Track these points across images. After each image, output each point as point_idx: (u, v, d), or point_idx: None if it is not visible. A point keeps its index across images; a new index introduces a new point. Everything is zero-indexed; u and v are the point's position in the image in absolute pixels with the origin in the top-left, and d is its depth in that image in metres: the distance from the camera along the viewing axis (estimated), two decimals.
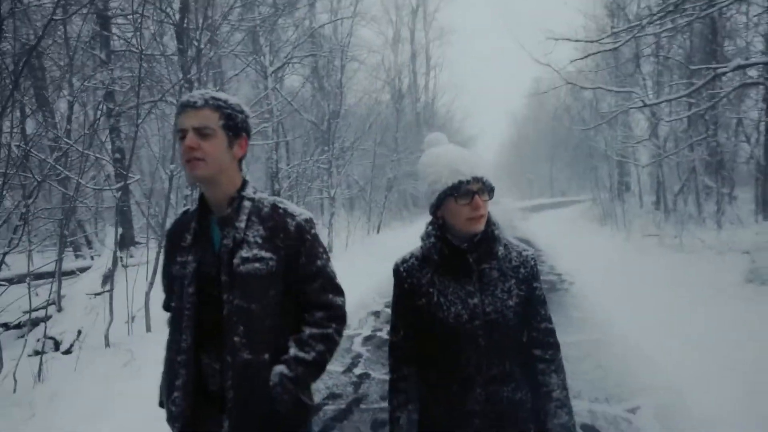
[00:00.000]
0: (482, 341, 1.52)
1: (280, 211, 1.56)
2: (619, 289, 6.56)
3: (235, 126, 1.51)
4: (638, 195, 19.42)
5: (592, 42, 7.05)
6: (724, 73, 8.57)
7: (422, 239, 1.62)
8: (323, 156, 11.31)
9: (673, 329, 4.46)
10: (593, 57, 15.98)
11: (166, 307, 1.70)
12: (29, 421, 3.36)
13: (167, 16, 7.02)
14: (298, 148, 12.81)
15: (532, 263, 1.63)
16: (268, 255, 1.50)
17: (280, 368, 1.51)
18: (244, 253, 1.48)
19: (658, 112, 13.94)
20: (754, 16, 10.78)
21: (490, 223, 1.56)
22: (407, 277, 1.60)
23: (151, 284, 5.42)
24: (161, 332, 5.00)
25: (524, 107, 51.85)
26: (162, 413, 1.63)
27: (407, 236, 15.84)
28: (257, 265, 1.48)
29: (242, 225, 1.50)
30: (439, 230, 1.56)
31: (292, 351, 1.53)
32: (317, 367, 1.57)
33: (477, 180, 1.50)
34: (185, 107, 1.47)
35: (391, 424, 1.62)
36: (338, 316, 1.62)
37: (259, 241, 1.50)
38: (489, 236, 1.57)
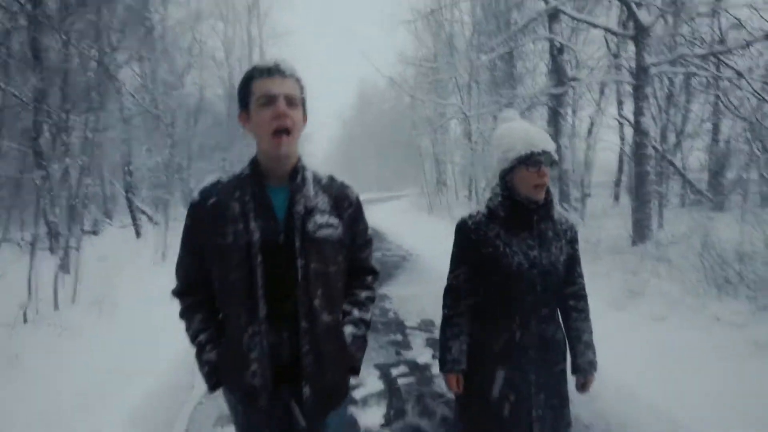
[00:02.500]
0: (539, 287, 1.72)
1: (338, 183, 1.59)
2: (446, 257, 8.64)
3: (305, 100, 1.50)
4: (454, 189, 22.66)
5: (431, 67, 8.90)
6: (518, 96, 11.22)
7: (490, 199, 1.81)
8: (166, 150, 11.50)
9: None
10: (417, 68, 18.38)
11: (182, 291, 1.58)
12: (17, 379, 3.82)
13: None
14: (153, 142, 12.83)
15: (575, 229, 1.86)
16: (335, 222, 1.51)
17: (350, 328, 1.58)
18: (318, 219, 1.47)
19: (471, 119, 16.77)
20: (541, 61, 13.89)
21: (548, 192, 1.76)
22: (475, 230, 1.78)
23: (61, 267, 5.83)
24: (68, 310, 5.50)
25: (351, 108, 54.52)
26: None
27: None
28: (329, 231, 1.48)
29: (311, 194, 1.49)
30: (507, 191, 1.75)
31: (356, 312, 1.61)
32: (370, 326, 1.66)
33: (546, 153, 1.69)
34: (273, 73, 1.41)
35: (444, 351, 1.81)
36: (377, 280, 1.73)
37: (327, 209, 1.50)
38: (548, 201, 1.77)
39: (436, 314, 4.99)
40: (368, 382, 3.75)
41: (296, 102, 1.43)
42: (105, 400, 3.52)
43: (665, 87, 12.37)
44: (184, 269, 1.58)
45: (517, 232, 1.74)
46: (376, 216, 22.12)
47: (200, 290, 1.54)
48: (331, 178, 1.59)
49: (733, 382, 3.23)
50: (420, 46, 23.46)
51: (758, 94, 7.28)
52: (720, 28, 11.14)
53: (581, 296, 1.88)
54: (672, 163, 10.79)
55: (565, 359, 1.84)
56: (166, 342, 4.62)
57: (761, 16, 7.04)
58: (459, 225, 1.83)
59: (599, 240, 7.41)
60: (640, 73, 7.84)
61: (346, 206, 1.56)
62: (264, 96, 1.39)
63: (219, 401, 3.45)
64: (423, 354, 4.38)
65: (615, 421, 3.06)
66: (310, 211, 1.47)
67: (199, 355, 1.53)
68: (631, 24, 8.04)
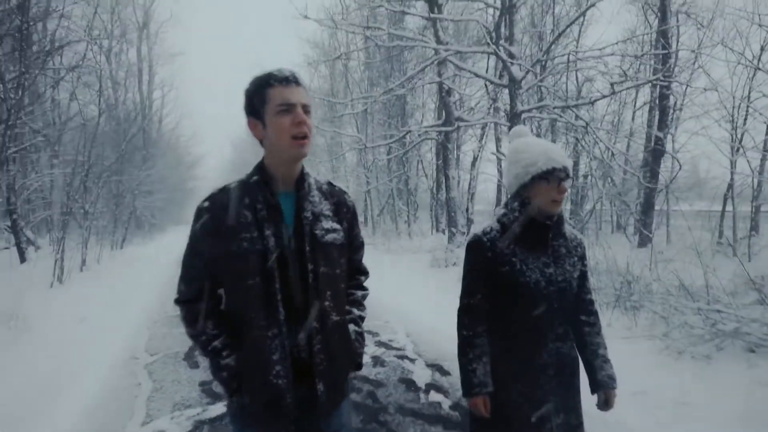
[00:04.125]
0: (555, 304, 1.71)
1: (337, 189, 1.66)
2: None
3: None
4: None
5: (340, 103, 9.73)
6: (409, 131, 12.40)
7: (504, 214, 1.78)
8: (67, 169, 11.24)
9: (398, 289, 7.35)
10: (316, 98, 19.17)
11: (189, 298, 1.54)
12: None
13: None
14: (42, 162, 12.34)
15: (584, 244, 1.84)
16: (338, 226, 1.57)
17: (352, 326, 1.66)
18: (324, 224, 1.53)
19: (367, 151, 17.90)
20: (429, 98, 15.34)
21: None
22: (491, 247, 1.73)
23: None
24: None
25: (242, 131, 53.85)
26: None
27: (150, 249, 16.22)
28: (335, 235, 1.55)
29: (316, 199, 1.55)
30: (523, 207, 1.73)
31: (355, 311, 1.70)
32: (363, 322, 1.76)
33: (565, 169, 1.69)
34: (290, 81, 1.46)
35: (469, 374, 1.73)
36: (367, 279, 1.83)
37: (330, 214, 1.57)
38: (560, 218, 1.77)
39: None
40: None
41: (309, 110, 1.49)
42: (55, 400, 3.64)
43: (534, 128, 14.28)
44: (191, 276, 1.55)
45: (531, 248, 1.73)
46: None
47: (209, 297, 1.53)
48: (330, 185, 1.66)
49: None
50: (315, 75, 24.38)
51: (600, 140, 8.94)
52: (577, 81, 13.27)
53: (592, 311, 1.86)
54: None
55: (578, 376, 1.82)
56: (95, 353, 4.89)
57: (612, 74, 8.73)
58: (472, 242, 1.79)
59: None
60: (513, 116, 9.27)
61: (344, 212, 1.63)
62: (284, 104, 1.44)
63: (171, 393, 3.90)
64: None
65: None
66: (317, 217, 1.52)
67: (216, 362, 1.51)
68: (506, 75, 9.49)
